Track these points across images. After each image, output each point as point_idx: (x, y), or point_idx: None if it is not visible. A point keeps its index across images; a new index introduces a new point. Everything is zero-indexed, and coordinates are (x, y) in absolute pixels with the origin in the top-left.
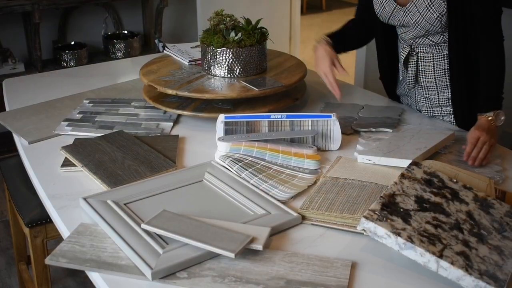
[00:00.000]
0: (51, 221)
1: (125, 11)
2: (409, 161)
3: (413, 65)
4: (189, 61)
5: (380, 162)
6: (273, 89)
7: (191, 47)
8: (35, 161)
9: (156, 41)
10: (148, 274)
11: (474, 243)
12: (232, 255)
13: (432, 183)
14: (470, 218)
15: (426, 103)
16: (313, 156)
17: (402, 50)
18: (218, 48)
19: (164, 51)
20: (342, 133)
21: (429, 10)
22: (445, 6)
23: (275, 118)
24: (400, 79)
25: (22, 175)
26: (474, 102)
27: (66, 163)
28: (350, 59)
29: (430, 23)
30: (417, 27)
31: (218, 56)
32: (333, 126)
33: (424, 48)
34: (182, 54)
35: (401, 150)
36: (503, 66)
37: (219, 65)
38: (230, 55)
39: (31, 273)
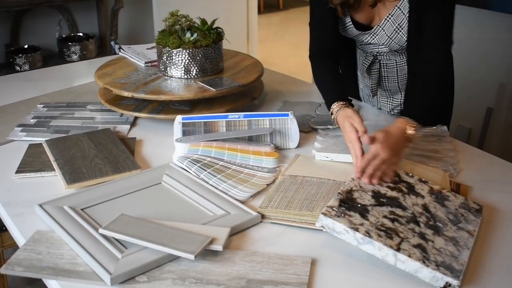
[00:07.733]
0: (6, 230)
1: (79, 13)
2: None
3: (375, 73)
4: (145, 62)
5: (337, 159)
6: (230, 89)
7: (146, 48)
8: None
9: (112, 43)
10: (107, 280)
11: (430, 235)
12: (192, 257)
13: None
14: (426, 211)
15: (388, 104)
16: (271, 154)
17: (365, 59)
18: (174, 49)
19: (120, 53)
20: (300, 131)
21: (398, 33)
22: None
23: (233, 118)
24: (361, 87)
25: None
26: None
27: (21, 169)
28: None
29: (399, 45)
30: (385, 47)
31: (174, 57)
32: (291, 124)
33: (386, 56)
34: (138, 55)
35: None
36: (451, 72)
37: (175, 66)
38: (186, 56)
39: None
